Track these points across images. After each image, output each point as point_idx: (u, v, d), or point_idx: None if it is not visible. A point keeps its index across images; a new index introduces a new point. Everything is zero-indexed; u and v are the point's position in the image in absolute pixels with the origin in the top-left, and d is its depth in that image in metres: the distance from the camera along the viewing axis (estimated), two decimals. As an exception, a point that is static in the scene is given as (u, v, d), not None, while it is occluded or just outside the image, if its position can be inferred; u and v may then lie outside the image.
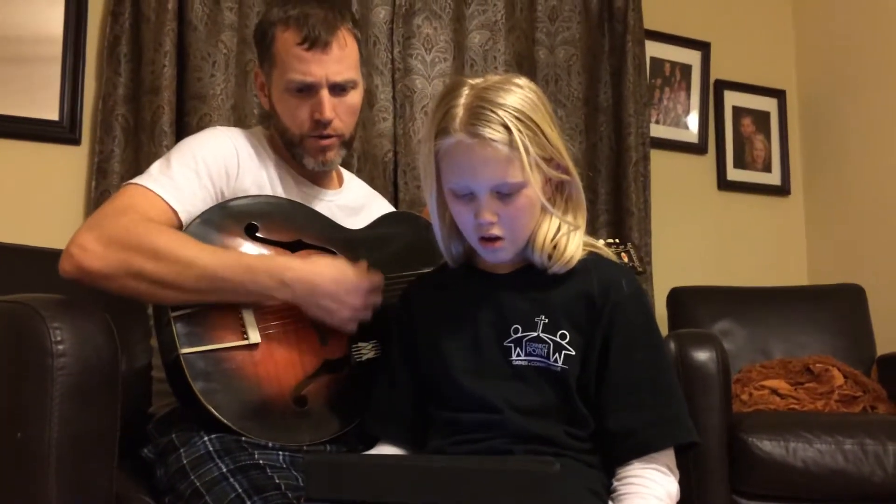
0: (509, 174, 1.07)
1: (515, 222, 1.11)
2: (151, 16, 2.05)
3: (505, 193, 1.09)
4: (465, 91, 1.09)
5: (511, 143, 1.06)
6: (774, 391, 2.25)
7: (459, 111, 1.08)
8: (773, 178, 3.07)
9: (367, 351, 1.34)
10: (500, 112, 1.06)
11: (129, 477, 1.30)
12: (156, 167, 1.35)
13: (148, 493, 1.27)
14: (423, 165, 1.15)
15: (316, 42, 1.36)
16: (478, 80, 1.11)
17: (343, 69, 1.40)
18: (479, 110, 1.06)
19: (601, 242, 1.55)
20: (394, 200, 2.26)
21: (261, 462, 1.17)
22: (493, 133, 1.05)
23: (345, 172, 1.62)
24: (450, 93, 1.11)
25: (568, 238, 1.13)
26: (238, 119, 2.13)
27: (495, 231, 1.10)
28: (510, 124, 1.06)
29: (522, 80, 1.12)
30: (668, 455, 1.10)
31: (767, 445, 1.82)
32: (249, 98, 2.17)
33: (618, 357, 1.11)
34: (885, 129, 2.80)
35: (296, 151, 1.44)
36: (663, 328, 2.51)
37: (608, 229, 2.60)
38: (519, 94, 1.09)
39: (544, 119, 1.10)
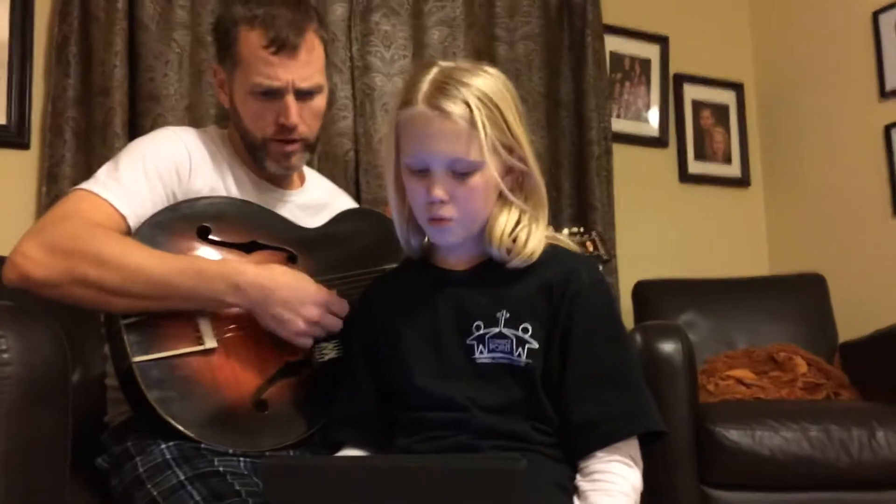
0: (466, 151, 1.07)
1: (468, 204, 1.09)
2: (101, 15, 1.99)
3: (460, 172, 1.08)
4: (434, 70, 1.10)
5: (471, 121, 1.06)
6: (740, 381, 2.26)
7: (424, 85, 1.08)
8: (734, 169, 3.09)
9: (329, 351, 1.30)
10: (464, 90, 1.07)
11: (82, 487, 1.27)
12: (103, 171, 1.31)
13: (103, 505, 1.24)
14: (385, 143, 1.15)
15: (283, 46, 1.32)
16: (449, 63, 1.12)
17: (310, 74, 1.36)
18: (443, 86, 1.07)
19: (565, 231, 1.54)
20: (355, 199, 2.21)
21: (220, 469, 1.13)
22: (454, 107, 1.06)
23: (307, 170, 1.58)
24: (419, 71, 1.11)
25: (529, 231, 1.12)
26: (193, 119, 2.08)
27: (445, 212, 1.09)
28: (472, 101, 1.06)
29: (494, 70, 1.13)
30: (633, 445, 1.08)
31: (734, 434, 1.83)
32: (205, 98, 2.13)
33: (579, 348, 1.09)
34: (841, 121, 2.83)
35: (258, 154, 1.40)
36: (629, 321, 2.52)
37: (572, 224, 2.59)
38: (486, 79, 1.10)
39: (509, 108, 1.10)
